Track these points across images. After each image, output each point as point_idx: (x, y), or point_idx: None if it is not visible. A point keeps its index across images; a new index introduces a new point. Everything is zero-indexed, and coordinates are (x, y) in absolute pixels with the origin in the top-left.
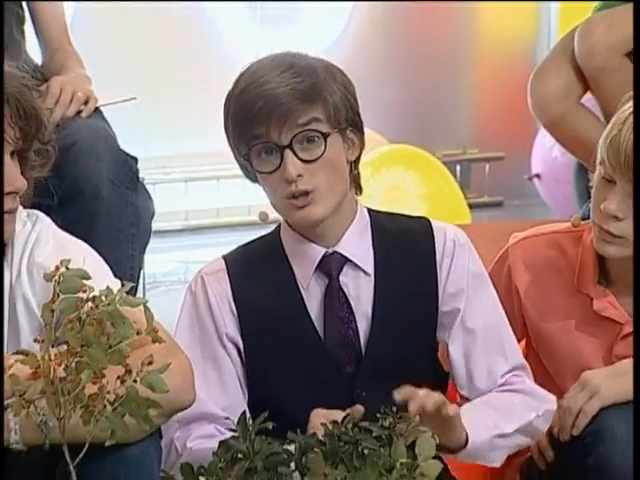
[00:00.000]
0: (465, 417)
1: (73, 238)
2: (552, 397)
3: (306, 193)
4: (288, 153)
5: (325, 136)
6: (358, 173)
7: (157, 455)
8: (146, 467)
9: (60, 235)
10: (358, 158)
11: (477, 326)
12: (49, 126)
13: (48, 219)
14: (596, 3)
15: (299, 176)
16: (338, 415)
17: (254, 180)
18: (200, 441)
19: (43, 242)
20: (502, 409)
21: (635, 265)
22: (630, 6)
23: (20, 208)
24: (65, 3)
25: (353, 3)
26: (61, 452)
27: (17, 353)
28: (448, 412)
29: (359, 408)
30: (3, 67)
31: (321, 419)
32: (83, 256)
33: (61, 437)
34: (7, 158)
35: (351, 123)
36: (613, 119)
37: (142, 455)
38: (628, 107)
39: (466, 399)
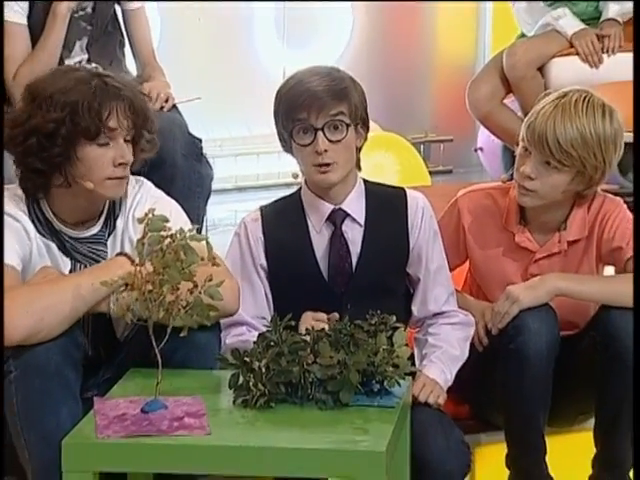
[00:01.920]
0: (427, 370)
1: (166, 196)
2: (472, 320)
3: (328, 164)
4: (320, 134)
5: (348, 126)
6: (359, 157)
7: (218, 343)
8: (210, 351)
9: (157, 194)
10: (361, 146)
11: (433, 267)
12: (155, 121)
13: (150, 183)
14: (519, 32)
15: (325, 151)
16: (321, 316)
17: (288, 151)
18: (235, 338)
19: (144, 200)
20: (449, 358)
21: (635, 263)
22: (541, 35)
23: (131, 177)
24: (152, 28)
25: (350, 34)
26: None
27: (119, 254)
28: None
29: (336, 315)
30: (3, 68)
31: (309, 318)
32: (170, 209)
33: (150, 328)
34: (121, 140)
35: (362, 121)
36: (531, 111)
37: (208, 342)
38: (542, 103)
39: (416, 319)
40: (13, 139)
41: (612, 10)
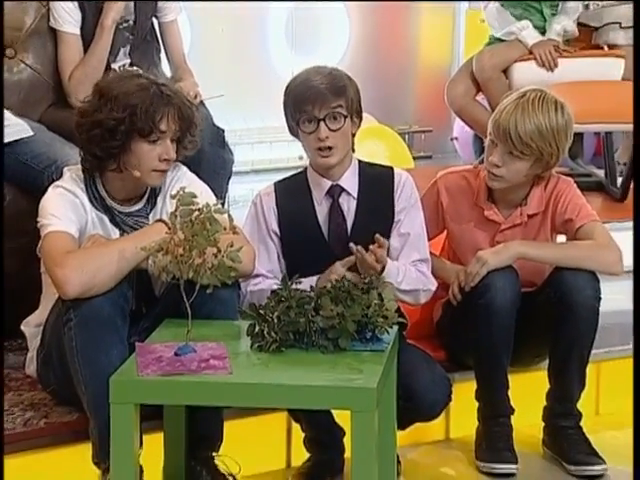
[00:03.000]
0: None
1: (198, 179)
2: (434, 281)
3: (329, 148)
4: (322, 123)
5: (345, 117)
6: (354, 141)
7: (237, 298)
8: (231, 305)
9: (191, 177)
10: (355, 133)
11: (410, 232)
12: (199, 126)
13: (185, 168)
14: (487, 41)
15: (326, 137)
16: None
17: (295, 136)
18: (253, 287)
19: (180, 182)
20: (407, 274)
21: (635, 266)
22: (504, 43)
23: None
24: (183, 37)
25: (348, 42)
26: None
27: (158, 221)
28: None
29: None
30: (3, 66)
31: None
32: (200, 190)
33: (181, 286)
34: (168, 140)
35: (357, 112)
36: (496, 109)
37: (229, 298)
38: (505, 102)
39: None
40: (80, 126)
41: (554, 30)
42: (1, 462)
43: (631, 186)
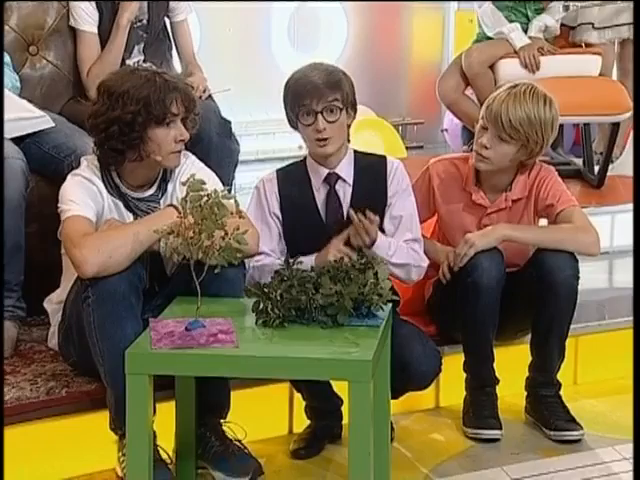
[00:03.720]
0: (380, 237)
1: (205, 167)
2: (426, 259)
3: (325, 139)
4: (319, 116)
5: (341, 109)
6: (349, 132)
7: (243, 278)
8: (237, 284)
9: (199, 165)
10: (350, 124)
11: (402, 214)
12: (197, 104)
13: (194, 157)
14: (474, 38)
15: (324, 129)
16: (344, 250)
17: (295, 127)
18: (257, 263)
19: (189, 170)
20: (399, 250)
21: (635, 267)
22: (490, 41)
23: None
24: (193, 36)
25: (346, 40)
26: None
27: (169, 205)
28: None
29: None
30: (3, 63)
31: (336, 245)
32: (208, 176)
33: (192, 266)
34: (179, 122)
35: (352, 105)
36: (490, 96)
37: (235, 277)
38: (498, 91)
39: None
40: (96, 127)
41: (535, 27)
42: (1, 432)
43: (608, 173)
